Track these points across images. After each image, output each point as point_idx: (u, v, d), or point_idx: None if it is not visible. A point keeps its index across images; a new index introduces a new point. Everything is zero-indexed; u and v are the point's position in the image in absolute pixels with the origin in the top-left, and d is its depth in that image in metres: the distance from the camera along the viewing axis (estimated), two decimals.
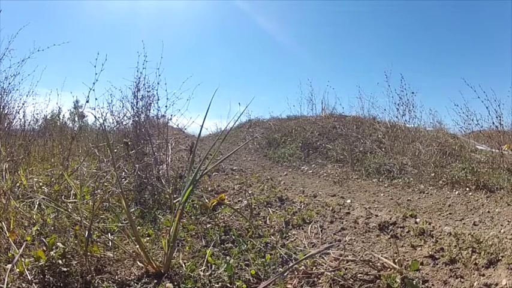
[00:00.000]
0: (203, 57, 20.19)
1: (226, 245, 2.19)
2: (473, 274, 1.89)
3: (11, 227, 1.86)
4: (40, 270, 1.59)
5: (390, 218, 2.69)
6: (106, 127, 4.29)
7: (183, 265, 1.89)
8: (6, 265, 1.55)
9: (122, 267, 1.82)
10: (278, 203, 3.12)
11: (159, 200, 3.01)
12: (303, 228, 2.59)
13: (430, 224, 2.58)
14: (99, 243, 1.95)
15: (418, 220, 2.67)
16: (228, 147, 6.64)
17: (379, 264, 2.00)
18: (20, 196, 2.45)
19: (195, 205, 2.90)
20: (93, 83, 3.26)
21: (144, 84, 3.84)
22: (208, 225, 2.46)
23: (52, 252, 1.64)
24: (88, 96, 3.26)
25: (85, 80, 4.01)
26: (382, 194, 3.96)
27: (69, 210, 2.30)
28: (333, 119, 7.65)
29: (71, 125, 6.77)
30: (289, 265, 1.94)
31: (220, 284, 1.75)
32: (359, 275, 1.91)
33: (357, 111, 7.79)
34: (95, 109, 4.08)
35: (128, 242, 2.05)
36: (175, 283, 1.72)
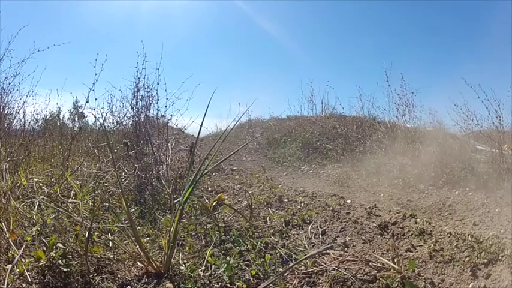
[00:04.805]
0: (203, 57, 20.16)
1: (226, 245, 2.19)
2: (474, 274, 1.89)
3: (11, 227, 1.86)
4: (40, 270, 1.59)
5: (390, 218, 2.70)
6: (106, 127, 4.29)
7: (183, 265, 1.89)
8: (6, 265, 1.55)
9: (122, 268, 1.82)
10: (278, 203, 3.12)
11: (159, 200, 3.01)
12: (303, 228, 2.59)
13: (430, 223, 2.58)
14: (99, 244, 1.95)
15: (418, 220, 2.67)
16: (228, 147, 6.64)
17: (378, 264, 2.01)
18: (20, 196, 2.45)
19: (195, 205, 2.90)
20: (93, 83, 3.26)
21: (143, 84, 3.83)
22: (208, 226, 2.46)
23: (52, 253, 1.64)
24: (88, 97, 3.26)
25: (85, 80, 4.01)
26: (382, 194, 3.97)
27: (70, 210, 2.30)
28: (333, 119, 7.65)
29: (70, 125, 6.77)
30: (289, 265, 1.95)
31: (220, 284, 1.75)
32: (359, 275, 1.92)
33: (357, 111, 7.78)
34: (94, 109, 4.07)
35: (128, 242, 2.05)
36: (176, 283, 1.72)
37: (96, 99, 3.50)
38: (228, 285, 1.76)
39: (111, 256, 1.85)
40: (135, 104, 3.83)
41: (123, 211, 2.40)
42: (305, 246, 2.29)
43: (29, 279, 1.52)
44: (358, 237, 2.44)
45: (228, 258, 2.00)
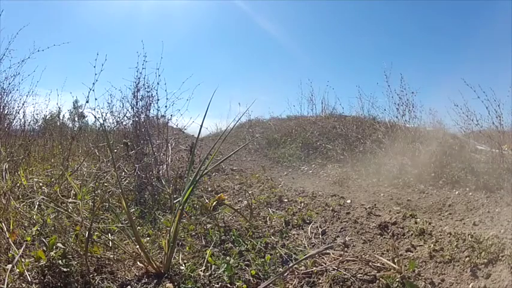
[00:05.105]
0: (203, 57, 20.18)
1: (226, 245, 2.19)
2: (474, 274, 1.89)
3: (11, 227, 1.86)
4: (40, 270, 1.59)
5: (390, 218, 2.70)
6: (106, 127, 4.29)
7: (183, 265, 1.89)
8: (6, 265, 1.55)
9: (122, 267, 1.82)
10: (278, 203, 3.12)
11: (159, 200, 3.01)
12: (303, 229, 2.59)
13: (430, 224, 2.58)
14: (99, 244, 1.95)
15: (418, 220, 2.67)
16: (228, 147, 6.64)
17: (378, 264, 2.01)
18: (20, 196, 2.45)
19: (195, 205, 2.90)
20: (93, 83, 3.25)
21: (143, 84, 3.83)
22: (208, 226, 2.46)
23: (52, 253, 1.64)
24: (88, 97, 3.26)
25: (85, 80, 4.01)
26: (382, 194, 3.96)
27: (70, 210, 2.30)
28: (333, 119, 7.66)
29: (70, 125, 6.78)
30: (289, 265, 1.95)
31: (220, 284, 1.75)
32: (359, 275, 1.92)
33: (357, 111, 7.79)
34: (94, 109, 4.08)
35: (128, 242, 2.05)
36: (176, 283, 1.72)
37: (96, 99, 3.49)
38: (228, 285, 1.76)
39: (111, 256, 1.85)
40: (135, 104, 3.84)
41: (123, 211, 2.40)
42: (305, 246, 2.29)
43: (29, 279, 1.52)
44: (358, 237, 2.44)
45: (228, 258, 2.00)
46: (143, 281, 1.74)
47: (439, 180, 4.15)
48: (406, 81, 5.96)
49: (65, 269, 1.61)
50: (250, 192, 3.37)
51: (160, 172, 3.46)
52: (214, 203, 2.85)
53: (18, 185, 2.57)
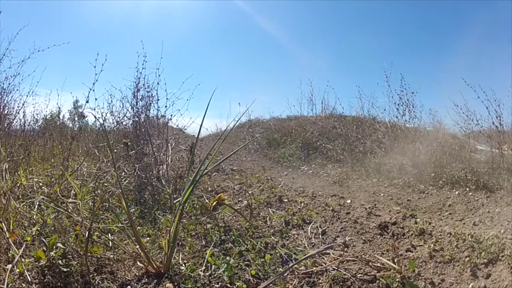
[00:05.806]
0: (203, 57, 20.16)
1: (226, 245, 2.19)
2: (474, 274, 1.89)
3: (11, 227, 1.86)
4: (40, 270, 1.59)
5: (390, 218, 2.70)
6: (106, 127, 4.29)
7: (183, 265, 1.89)
8: (6, 265, 1.55)
9: (122, 267, 1.82)
10: (278, 203, 3.12)
11: (159, 200, 3.01)
12: (303, 229, 2.59)
13: (430, 224, 2.58)
14: (99, 244, 1.95)
15: (418, 220, 2.68)
16: (228, 147, 6.64)
17: (378, 264, 2.01)
18: (20, 196, 2.45)
19: (195, 205, 2.90)
20: (93, 83, 3.26)
21: (143, 85, 3.84)
22: (208, 226, 2.46)
23: (52, 253, 1.64)
24: (88, 97, 3.26)
25: (85, 80, 4.02)
26: (382, 194, 3.96)
27: (70, 210, 2.30)
28: (333, 119, 7.66)
29: (70, 125, 6.79)
30: (289, 265, 1.95)
31: (220, 284, 1.75)
32: (359, 275, 1.92)
33: (357, 111, 7.79)
34: (94, 109, 4.07)
35: (128, 242, 2.05)
36: (176, 283, 1.72)
37: (96, 99, 3.50)
38: (228, 285, 1.76)
39: (111, 256, 1.85)
40: (135, 104, 3.84)
41: (123, 211, 2.40)
42: (305, 246, 2.29)
43: (29, 279, 1.52)
44: (358, 237, 2.44)
45: (228, 258, 2.00)
46: (143, 281, 1.74)
47: (439, 180, 4.15)
48: (406, 81, 5.96)
49: (65, 269, 1.61)
50: (250, 192, 3.37)
51: (160, 172, 3.46)
52: (214, 203, 2.85)
53: (18, 185, 2.57)
